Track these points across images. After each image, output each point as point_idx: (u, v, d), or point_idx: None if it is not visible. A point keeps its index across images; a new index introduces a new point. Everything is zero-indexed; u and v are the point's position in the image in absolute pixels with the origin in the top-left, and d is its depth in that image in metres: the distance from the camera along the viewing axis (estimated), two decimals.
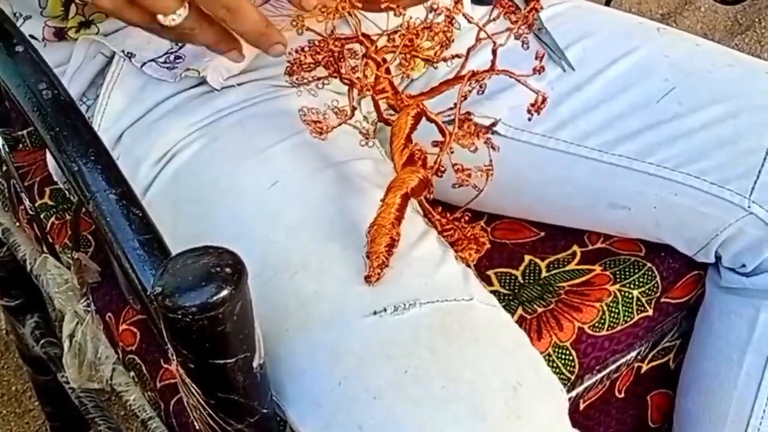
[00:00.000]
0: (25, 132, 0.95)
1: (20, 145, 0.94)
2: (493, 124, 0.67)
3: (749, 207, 0.71)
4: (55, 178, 0.83)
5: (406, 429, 0.55)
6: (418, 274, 0.60)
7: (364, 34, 0.63)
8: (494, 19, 0.62)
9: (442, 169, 0.63)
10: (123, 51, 0.72)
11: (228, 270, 0.48)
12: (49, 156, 0.81)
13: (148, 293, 0.51)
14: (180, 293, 0.48)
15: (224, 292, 0.47)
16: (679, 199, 0.73)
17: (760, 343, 0.72)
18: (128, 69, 0.72)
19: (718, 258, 0.75)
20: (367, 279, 0.59)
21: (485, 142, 0.63)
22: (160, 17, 0.60)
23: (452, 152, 0.62)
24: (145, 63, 0.71)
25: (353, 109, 0.64)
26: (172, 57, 0.71)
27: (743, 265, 0.74)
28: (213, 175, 0.67)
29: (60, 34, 0.74)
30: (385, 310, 0.58)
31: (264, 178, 0.65)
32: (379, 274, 0.58)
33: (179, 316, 0.48)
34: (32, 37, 0.74)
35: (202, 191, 0.67)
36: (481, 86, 0.63)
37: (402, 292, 0.59)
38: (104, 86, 0.72)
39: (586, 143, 0.75)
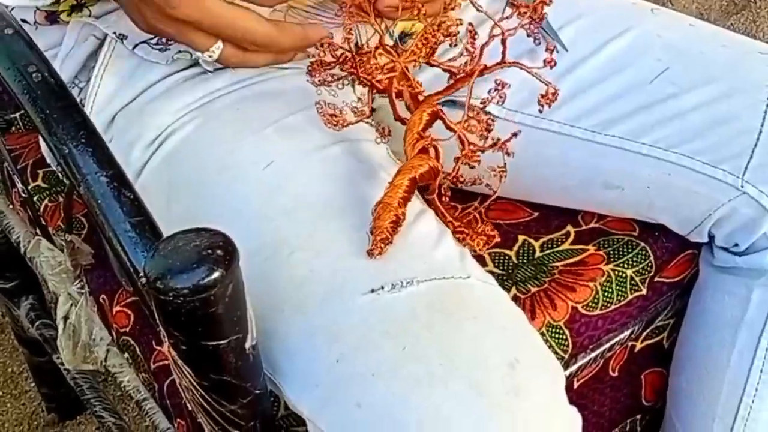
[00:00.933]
0: (17, 115, 0.95)
1: (12, 128, 0.94)
2: (485, 102, 0.66)
3: (742, 187, 0.71)
4: (48, 161, 0.83)
5: (405, 406, 0.55)
6: (415, 253, 0.60)
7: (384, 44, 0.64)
8: (507, 17, 0.62)
9: (461, 179, 0.64)
10: (115, 33, 0.71)
11: (220, 252, 0.48)
12: (41, 138, 0.81)
13: (140, 275, 0.51)
14: (171, 275, 0.48)
15: (216, 274, 0.47)
16: (673, 179, 0.73)
17: (752, 321, 0.73)
18: (120, 51, 0.72)
19: (711, 237, 0.75)
20: (370, 252, 0.59)
21: (501, 149, 0.63)
22: (198, 54, 0.65)
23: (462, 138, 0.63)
24: (137, 45, 0.71)
25: (372, 110, 0.65)
26: (164, 39, 0.70)
27: (736, 245, 0.74)
28: (207, 156, 0.67)
29: (52, 18, 0.74)
30: (383, 287, 0.58)
31: (260, 158, 0.65)
32: (381, 248, 0.59)
33: (171, 298, 0.48)
34: (24, 21, 0.73)
35: (196, 172, 0.67)
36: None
37: (400, 270, 0.59)
38: (96, 69, 0.72)
39: (579, 124, 0.74)
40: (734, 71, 0.73)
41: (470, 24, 0.63)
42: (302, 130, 0.67)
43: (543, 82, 0.62)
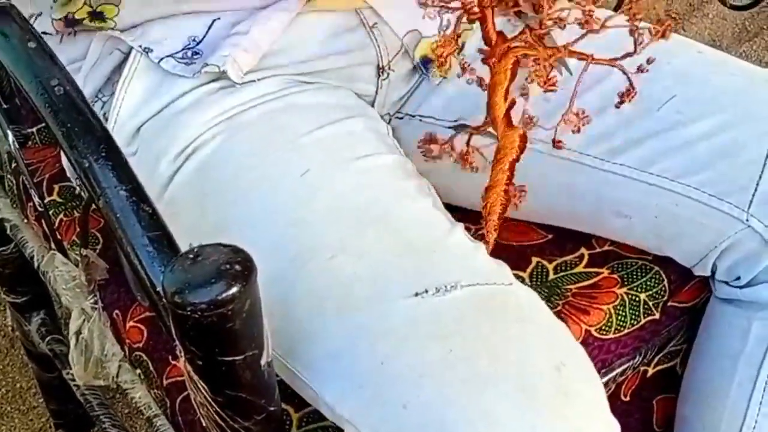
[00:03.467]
0: (35, 129, 0.95)
1: (30, 142, 0.94)
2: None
3: (747, 220, 0.71)
4: (69, 175, 0.83)
5: (454, 407, 0.55)
6: (457, 259, 0.61)
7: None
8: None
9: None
10: (140, 46, 0.72)
11: (238, 267, 0.48)
12: (62, 152, 0.81)
13: (158, 290, 0.51)
14: (189, 290, 0.48)
15: (234, 290, 0.48)
16: (680, 210, 0.73)
17: (751, 354, 0.72)
18: (145, 64, 0.72)
19: (714, 269, 0.75)
20: (485, 243, 0.63)
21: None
22: None
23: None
24: (162, 58, 0.72)
25: (458, 36, 0.62)
26: (189, 53, 0.71)
27: (738, 278, 0.74)
28: (241, 166, 0.68)
29: (70, 23, 0.74)
30: (427, 291, 0.58)
31: (294, 167, 0.66)
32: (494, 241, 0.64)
33: (188, 313, 0.48)
34: (45, 33, 0.74)
35: (230, 181, 0.68)
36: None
37: (442, 275, 0.59)
38: (120, 82, 0.72)
39: (588, 151, 0.74)
40: (741, 100, 0.73)
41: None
42: (335, 141, 0.68)
43: (627, 75, 0.62)
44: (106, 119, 0.74)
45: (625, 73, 0.62)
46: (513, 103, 0.63)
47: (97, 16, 0.73)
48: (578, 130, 0.65)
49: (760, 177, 0.70)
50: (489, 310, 0.58)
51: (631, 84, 0.63)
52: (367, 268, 0.60)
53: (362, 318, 0.59)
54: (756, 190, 0.71)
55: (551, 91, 0.61)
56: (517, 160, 0.64)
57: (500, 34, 0.61)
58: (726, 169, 0.71)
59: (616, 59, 0.62)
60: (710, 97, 0.73)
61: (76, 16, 0.73)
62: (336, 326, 0.59)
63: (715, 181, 0.72)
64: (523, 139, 0.63)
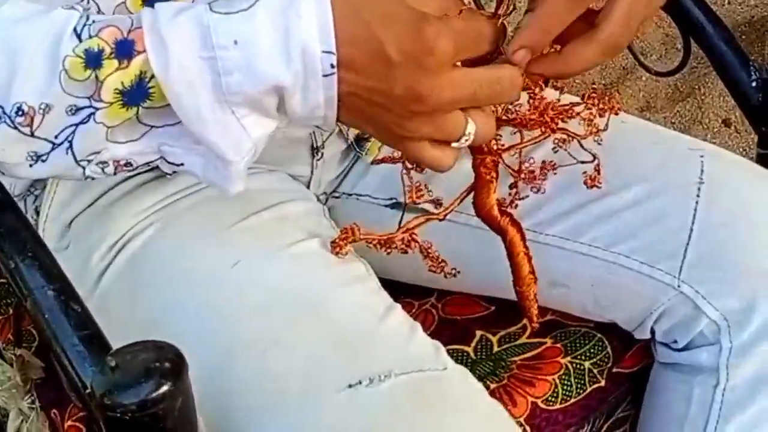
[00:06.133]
0: None
1: None
2: (436, 203, 0.67)
3: (679, 286, 0.72)
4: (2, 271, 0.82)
5: None
6: (390, 347, 0.61)
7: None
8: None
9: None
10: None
11: (167, 365, 0.47)
12: None
13: (87, 391, 0.50)
14: (119, 390, 0.47)
15: (164, 388, 0.47)
16: (614, 278, 0.74)
17: (696, 419, 0.73)
18: None
19: (653, 333, 0.76)
20: (530, 323, 0.67)
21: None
22: (454, 145, 0.56)
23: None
24: None
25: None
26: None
27: (675, 341, 0.75)
28: (171, 258, 0.67)
29: None
30: (360, 382, 0.58)
31: (225, 259, 0.65)
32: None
33: (119, 414, 0.47)
34: None
35: (161, 275, 0.67)
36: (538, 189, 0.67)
37: (376, 365, 0.59)
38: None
39: (520, 223, 0.75)
40: (664, 169, 0.74)
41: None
42: (268, 228, 0.68)
43: (590, 153, 0.63)
44: (38, 213, 0.73)
45: (594, 158, 0.64)
46: (500, 203, 0.64)
47: None
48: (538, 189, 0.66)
49: (688, 243, 0.71)
50: (422, 399, 0.57)
51: (597, 168, 0.64)
52: (299, 361, 0.59)
53: (296, 414, 0.58)
54: (685, 256, 0.72)
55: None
56: (524, 238, 0.65)
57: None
58: (654, 236, 0.72)
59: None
60: (634, 167, 0.74)
61: None
62: (270, 423, 0.58)
63: (645, 248, 0.73)
64: (523, 234, 0.66)
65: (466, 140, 0.55)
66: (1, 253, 0.57)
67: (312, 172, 0.79)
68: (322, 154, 0.78)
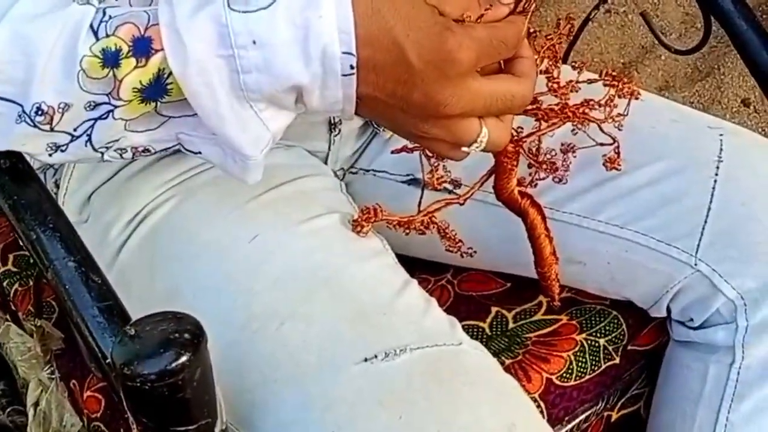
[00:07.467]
0: None
1: None
2: (455, 184, 0.68)
3: (696, 264, 0.72)
4: (22, 244, 0.83)
5: None
6: (406, 321, 0.61)
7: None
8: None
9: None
10: None
11: (187, 336, 0.48)
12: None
13: (107, 361, 0.51)
14: (138, 361, 0.47)
15: (183, 358, 0.47)
16: (630, 256, 0.74)
17: (710, 397, 0.73)
18: None
19: (669, 311, 0.76)
20: (552, 302, 0.69)
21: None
22: (466, 149, 0.57)
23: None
24: None
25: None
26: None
27: (691, 319, 0.75)
28: (190, 232, 0.68)
29: None
30: (376, 356, 0.58)
31: (243, 232, 0.66)
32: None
33: (138, 384, 0.47)
34: None
35: (180, 248, 0.67)
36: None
37: (392, 339, 0.59)
38: None
39: (538, 201, 0.75)
40: (683, 147, 0.74)
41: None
42: (285, 203, 0.68)
43: (609, 137, 0.63)
44: (58, 186, 0.74)
45: (614, 140, 0.64)
46: (519, 182, 0.65)
47: None
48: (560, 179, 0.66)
49: (705, 222, 0.71)
50: (438, 373, 0.58)
51: (617, 150, 0.64)
52: (316, 334, 0.60)
53: (312, 387, 0.58)
54: (702, 234, 0.71)
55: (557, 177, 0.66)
56: (544, 219, 0.66)
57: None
58: (672, 215, 0.72)
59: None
60: (653, 145, 0.74)
61: None
62: (287, 395, 0.59)
63: (662, 226, 0.72)
64: (543, 215, 0.66)
65: (477, 147, 0.56)
66: (22, 224, 0.57)
67: (330, 147, 0.79)
68: (340, 130, 0.78)
